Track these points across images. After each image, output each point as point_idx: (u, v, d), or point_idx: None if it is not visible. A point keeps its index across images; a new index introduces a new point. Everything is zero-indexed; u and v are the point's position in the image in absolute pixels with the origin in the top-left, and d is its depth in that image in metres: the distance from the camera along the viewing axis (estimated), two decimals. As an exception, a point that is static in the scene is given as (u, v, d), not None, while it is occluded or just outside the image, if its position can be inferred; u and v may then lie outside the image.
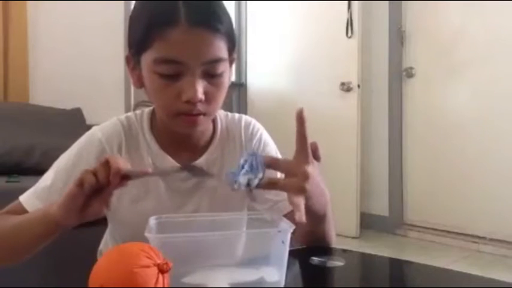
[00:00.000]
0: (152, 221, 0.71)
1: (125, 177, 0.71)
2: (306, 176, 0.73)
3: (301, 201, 0.72)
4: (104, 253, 0.58)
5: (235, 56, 0.89)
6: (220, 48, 0.81)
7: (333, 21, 3.56)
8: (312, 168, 0.75)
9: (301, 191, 0.73)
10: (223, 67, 0.83)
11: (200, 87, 0.80)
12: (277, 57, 4.03)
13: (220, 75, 0.83)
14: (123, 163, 0.70)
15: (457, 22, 3.40)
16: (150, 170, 0.74)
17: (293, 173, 0.74)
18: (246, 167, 0.71)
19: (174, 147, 0.93)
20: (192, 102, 0.80)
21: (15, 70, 2.91)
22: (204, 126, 0.88)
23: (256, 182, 0.71)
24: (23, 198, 0.88)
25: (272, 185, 0.75)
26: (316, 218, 0.84)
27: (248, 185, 0.71)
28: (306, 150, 0.76)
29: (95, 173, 0.69)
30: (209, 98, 0.82)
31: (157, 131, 0.94)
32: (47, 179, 0.89)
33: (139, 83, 0.87)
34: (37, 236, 0.78)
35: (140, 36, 0.81)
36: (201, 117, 0.83)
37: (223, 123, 0.99)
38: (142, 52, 0.82)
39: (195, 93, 0.79)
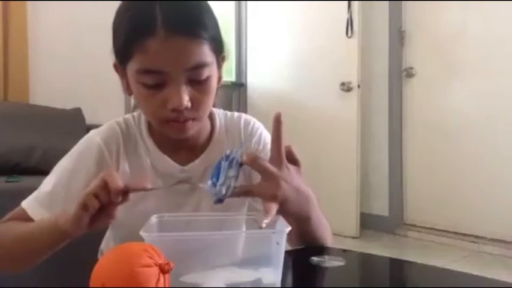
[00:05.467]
0: (153, 219, 0.71)
1: (126, 193, 0.70)
2: (277, 183, 0.74)
3: (272, 207, 0.72)
4: (105, 252, 0.58)
5: (224, 54, 0.88)
6: (203, 52, 0.79)
7: (333, 21, 3.56)
8: (287, 173, 0.76)
9: (273, 197, 0.74)
10: (208, 71, 0.81)
11: (185, 94, 0.79)
12: (277, 57, 4.03)
13: (206, 80, 0.82)
14: (120, 179, 0.69)
15: (457, 22, 3.40)
16: (148, 185, 0.72)
17: (267, 177, 0.75)
18: (223, 169, 0.71)
19: (172, 148, 0.93)
20: (177, 110, 0.80)
21: (15, 70, 2.91)
22: (195, 129, 0.87)
23: (229, 191, 0.71)
24: (26, 204, 0.88)
25: (247, 192, 0.76)
26: (299, 220, 0.84)
27: (222, 195, 0.71)
28: (280, 155, 0.77)
29: (96, 196, 0.68)
30: (196, 103, 0.81)
31: (155, 132, 0.94)
32: (47, 185, 0.89)
33: (129, 91, 0.86)
34: (47, 244, 0.78)
35: (121, 47, 0.81)
36: (190, 122, 0.83)
37: (222, 122, 0.99)
38: (126, 62, 0.81)
39: (180, 101, 0.78)
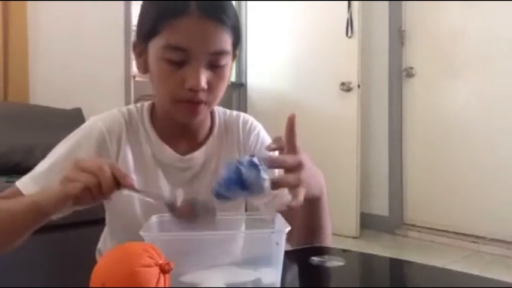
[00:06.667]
0: (153, 219, 0.72)
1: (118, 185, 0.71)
2: (301, 167, 0.75)
3: (301, 191, 0.73)
4: (106, 252, 0.58)
5: (237, 52, 0.92)
6: (227, 41, 0.85)
7: (333, 21, 3.56)
8: (304, 155, 0.78)
9: (300, 183, 0.75)
10: (226, 59, 0.86)
11: (204, 76, 0.83)
12: (277, 57, 4.03)
13: (224, 66, 0.87)
14: (115, 172, 0.70)
15: (456, 22, 3.40)
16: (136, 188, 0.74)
17: (289, 167, 0.75)
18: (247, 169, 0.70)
19: (174, 138, 0.96)
20: (194, 90, 0.83)
21: (15, 70, 2.91)
22: (204, 115, 0.91)
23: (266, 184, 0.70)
24: (20, 183, 0.89)
25: (274, 184, 0.76)
26: (311, 201, 0.84)
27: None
28: (295, 145, 0.78)
29: (89, 191, 0.69)
30: (211, 87, 0.86)
31: (157, 122, 0.96)
32: (44, 165, 0.90)
33: (144, 69, 0.90)
34: (24, 223, 0.77)
35: (151, 23, 0.84)
36: (202, 105, 0.87)
37: (222, 118, 1.02)
38: (151, 38, 0.85)
39: (198, 81, 0.82)
